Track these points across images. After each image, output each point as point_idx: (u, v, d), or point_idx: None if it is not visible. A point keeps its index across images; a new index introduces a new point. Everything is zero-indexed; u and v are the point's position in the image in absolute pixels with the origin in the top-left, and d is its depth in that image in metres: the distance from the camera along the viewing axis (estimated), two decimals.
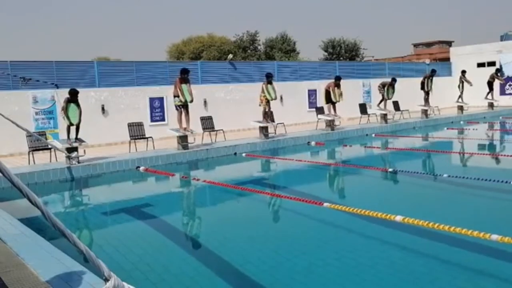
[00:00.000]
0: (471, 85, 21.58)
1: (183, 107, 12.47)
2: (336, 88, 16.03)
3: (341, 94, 16.12)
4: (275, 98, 14.53)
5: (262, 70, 18.82)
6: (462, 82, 21.78)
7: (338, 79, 16.26)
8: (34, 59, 16.82)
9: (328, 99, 16.26)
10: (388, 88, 18.22)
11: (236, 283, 4.56)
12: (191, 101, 12.48)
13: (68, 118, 10.66)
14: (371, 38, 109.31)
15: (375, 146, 14.18)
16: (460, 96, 21.86)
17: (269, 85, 14.18)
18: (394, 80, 18.43)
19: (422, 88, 19.73)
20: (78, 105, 10.82)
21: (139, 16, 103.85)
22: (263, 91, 14.25)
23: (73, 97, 10.73)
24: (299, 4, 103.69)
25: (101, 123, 14.79)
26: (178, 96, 12.34)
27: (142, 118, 14.63)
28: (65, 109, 10.66)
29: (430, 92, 19.74)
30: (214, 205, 8.33)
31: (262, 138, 14.02)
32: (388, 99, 18.45)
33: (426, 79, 19.64)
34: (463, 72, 21.94)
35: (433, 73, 20.10)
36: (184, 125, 12.48)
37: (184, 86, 12.29)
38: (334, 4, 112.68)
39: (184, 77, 12.34)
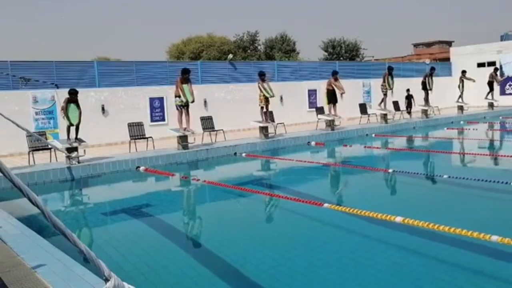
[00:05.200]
0: (474, 81, 21.48)
1: (184, 107, 12.47)
2: (336, 82, 16.07)
3: (342, 88, 16.16)
4: (273, 95, 14.41)
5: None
6: (462, 82, 21.76)
7: (335, 73, 16.35)
8: (34, 59, 16.84)
9: (330, 99, 16.24)
10: (387, 78, 17.98)
11: (236, 283, 4.56)
12: (192, 101, 12.49)
13: (68, 118, 10.65)
14: (371, 38, 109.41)
15: (375, 146, 14.18)
16: (460, 96, 21.86)
17: (264, 83, 14.13)
18: (390, 68, 18.22)
19: (424, 87, 19.72)
20: (78, 106, 10.81)
21: (139, 16, 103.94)
22: (260, 90, 14.22)
23: (72, 97, 10.72)
24: (299, 4, 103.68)
25: (101, 123, 14.79)
26: (179, 96, 12.34)
27: (142, 118, 14.61)
28: (65, 109, 10.66)
29: (431, 91, 19.73)
30: (214, 205, 8.31)
31: (262, 138, 14.01)
32: (390, 89, 18.21)
33: (426, 78, 19.65)
34: (463, 72, 21.93)
35: (432, 70, 20.13)
36: (184, 125, 12.49)
37: (185, 86, 12.28)
38: (334, 4, 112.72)
39: (185, 77, 12.35)
